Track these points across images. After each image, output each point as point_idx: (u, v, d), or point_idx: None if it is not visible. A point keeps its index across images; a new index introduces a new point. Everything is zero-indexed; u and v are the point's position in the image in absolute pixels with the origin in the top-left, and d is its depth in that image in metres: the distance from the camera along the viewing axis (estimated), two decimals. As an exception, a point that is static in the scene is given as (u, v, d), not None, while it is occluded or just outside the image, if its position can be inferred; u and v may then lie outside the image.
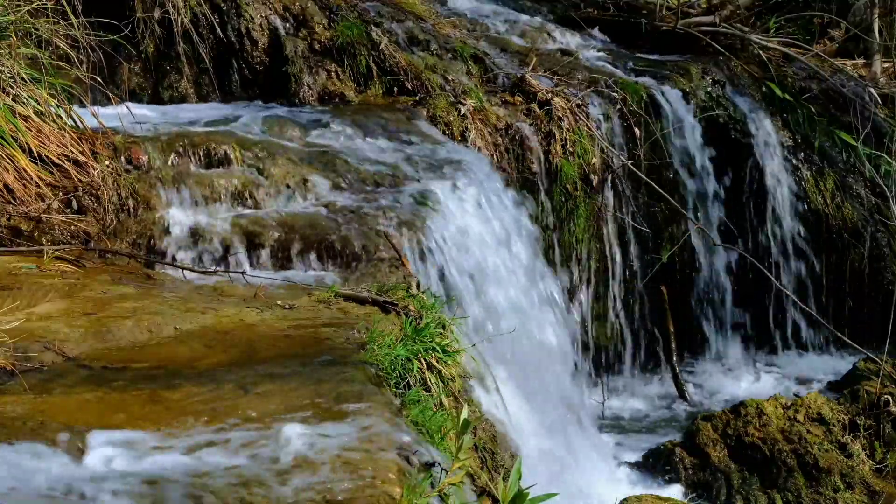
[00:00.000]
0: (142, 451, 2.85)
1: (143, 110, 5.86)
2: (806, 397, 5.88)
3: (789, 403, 5.84)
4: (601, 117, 6.86)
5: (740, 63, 7.76)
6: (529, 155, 6.50)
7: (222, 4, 6.55)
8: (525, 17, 7.93)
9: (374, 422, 3.02)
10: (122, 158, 5.18)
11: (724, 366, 7.38)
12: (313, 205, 5.25)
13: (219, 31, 6.52)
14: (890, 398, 5.73)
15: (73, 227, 4.80)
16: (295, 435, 2.89)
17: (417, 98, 6.48)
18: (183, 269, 4.68)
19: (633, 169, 6.81)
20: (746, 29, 8.00)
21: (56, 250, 4.58)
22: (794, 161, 7.58)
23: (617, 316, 6.99)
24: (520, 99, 6.73)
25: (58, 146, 4.98)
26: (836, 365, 7.28)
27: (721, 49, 7.68)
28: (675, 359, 7.02)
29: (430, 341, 3.99)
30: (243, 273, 4.59)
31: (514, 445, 4.49)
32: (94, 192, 4.94)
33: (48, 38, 5.63)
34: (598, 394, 6.65)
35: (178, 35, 6.40)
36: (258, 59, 6.60)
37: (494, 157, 6.35)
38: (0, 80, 5.04)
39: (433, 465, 3.01)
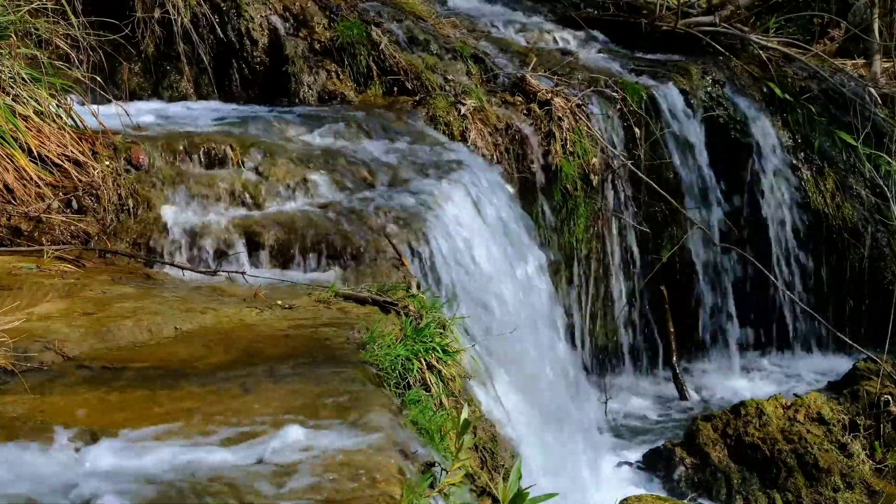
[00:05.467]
0: (142, 450, 2.85)
1: (142, 110, 5.86)
2: (806, 397, 5.88)
3: (789, 403, 5.84)
4: (601, 117, 6.86)
5: (740, 63, 7.75)
6: (529, 155, 6.50)
7: (222, 4, 6.55)
8: (525, 17, 7.93)
9: (374, 422, 3.02)
10: (122, 158, 5.18)
11: (724, 366, 7.38)
12: (313, 205, 5.25)
13: (219, 31, 6.52)
14: (890, 398, 5.73)
15: (73, 227, 4.80)
16: (295, 435, 2.89)
17: (417, 98, 6.48)
18: (183, 269, 4.68)
19: (633, 169, 6.81)
20: (746, 29, 7.99)
21: (56, 250, 4.58)
22: (794, 161, 7.58)
23: (617, 316, 6.99)
24: (520, 99, 6.73)
25: (58, 146, 4.98)
26: (836, 365, 7.28)
27: (721, 49, 7.68)
28: (675, 359, 7.02)
29: (430, 341, 3.99)
30: (243, 273, 4.59)
31: (513, 445, 4.49)
32: (94, 192, 4.94)
33: (48, 38, 5.63)
34: (598, 394, 6.65)
35: (178, 35, 6.40)
36: (258, 59, 6.60)
37: (494, 156, 6.35)
38: (0, 80, 5.03)
39: (433, 465, 3.01)
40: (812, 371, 7.35)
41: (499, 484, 2.97)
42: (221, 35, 6.53)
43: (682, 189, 7.15)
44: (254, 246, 4.95)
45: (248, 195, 5.21)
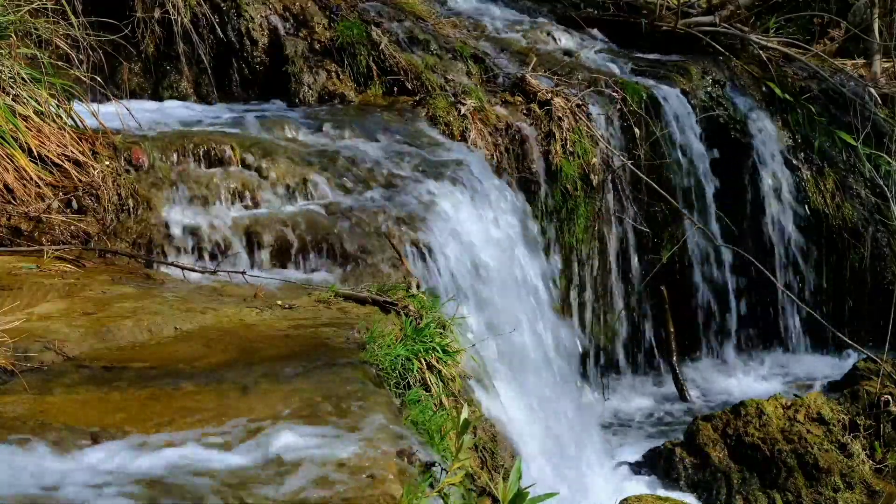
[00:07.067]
0: (141, 450, 2.85)
1: (143, 110, 5.86)
2: (806, 397, 5.88)
3: (789, 403, 5.84)
4: (601, 117, 6.86)
5: (740, 63, 7.76)
6: (529, 155, 6.50)
7: (222, 4, 6.55)
8: (525, 17, 7.93)
9: (374, 422, 3.02)
10: (122, 158, 5.18)
11: (724, 366, 7.38)
12: (313, 205, 5.25)
13: (219, 31, 6.52)
14: (890, 398, 5.73)
15: (73, 227, 4.80)
16: (294, 435, 2.89)
17: (417, 98, 6.48)
18: (183, 269, 4.68)
19: (633, 169, 6.81)
20: (746, 29, 8.00)
21: (56, 250, 4.58)
22: (794, 161, 7.58)
23: (617, 316, 6.99)
24: (520, 99, 6.73)
25: (58, 146, 4.98)
26: (836, 365, 7.28)
27: (721, 49, 7.69)
28: (675, 359, 7.02)
29: (430, 341, 3.99)
30: (243, 273, 4.59)
31: (513, 445, 4.49)
32: (94, 192, 4.94)
33: (48, 38, 5.63)
34: (598, 394, 6.65)
35: (178, 35, 6.40)
36: (258, 59, 6.60)
37: (494, 157, 6.35)
38: (0, 80, 5.04)
39: (433, 465, 3.01)
40: (812, 371, 7.35)
41: (499, 484, 2.97)
42: (221, 35, 6.54)
43: (681, 189, 7.15)
44: (254, 246, 4.95)
45: (247, 195, 5.21)
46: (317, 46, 6.63)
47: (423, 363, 3.88)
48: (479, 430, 4.27)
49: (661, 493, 5.56)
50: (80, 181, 4.94)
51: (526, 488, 2.91)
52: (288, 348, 3.68)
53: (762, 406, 5.78)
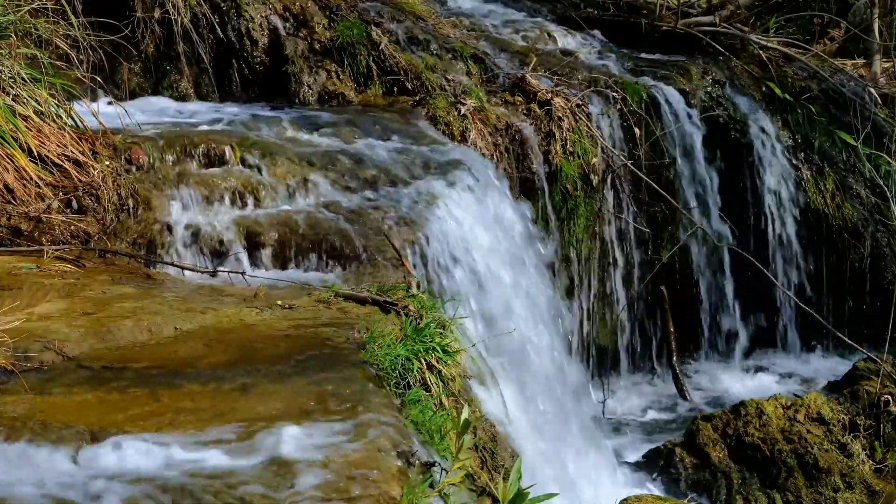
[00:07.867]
0: (141, 451, 2.85)
1: (143, 110, 5.86)
2: (806, 397, 5.88)
3: (789, 403, 5.84)
4: (601, 117, 6.86)
5: (740, 63, 7.76)
6: (529, 155, 6.50)
7: (222, 4, 6.55)
8: (525, 17, 7.94)
9: (374, 422, 3.02)
10: (122, 158, 5.18)
11: (724, 366, 7.38)
12: (313, 205, 5.25)
13: (219, 31, 6.52)
14: (890, 398, 5.73)
15: (73, 227, 4.80)
16: (294, 434, 2.89)
17: (417, 98, 6.48)
18: (183, 269, 4.68)
19: (633, 169, 6.81)
20: (746, 29, 8.00)
21: (56, 250, 4.58)
22: (794, 161, 7.58)
23: (617, 316, 6.99)
24: (520, 99, 6.73)
25: (58, 146, 4.98)
26: (836, 365, 7.28)
27: (721, 49, 7.69)
28: (675, 359, 7.02)
29: (430, 341, 3.99)
30: (243, 273, 4.59)
31: (513, 445, 4.49)
32: (94, 192, 4.94)
33: (48, 38, 5.64)
34: (598, 394, 6.65)
35: (178, 35, 6.40)
36: (258, 59, 6.60)
37: (494, 157, 6.35)
38: (0, 80, 5.04)
39: (433, 465, 3.01)
40: (812, 371, 7.35)
41: (499, 484, 2.97)
42: (221, 35, 6.53)
43: (681, 189, 7.15)
44: (254, 246, 4.95)
45: (248, 195, 5.21)
46: (317, 46, 6.63)
47: (423, 363, 3.88)
48: (479, 430, 4.27)
49: (662, 493, 5.56)
50: (80, 181, 4.94)
51: (526, 488, 2.91)
52: (288, 348, 3.68)
53: (762, 406, 5.78)
